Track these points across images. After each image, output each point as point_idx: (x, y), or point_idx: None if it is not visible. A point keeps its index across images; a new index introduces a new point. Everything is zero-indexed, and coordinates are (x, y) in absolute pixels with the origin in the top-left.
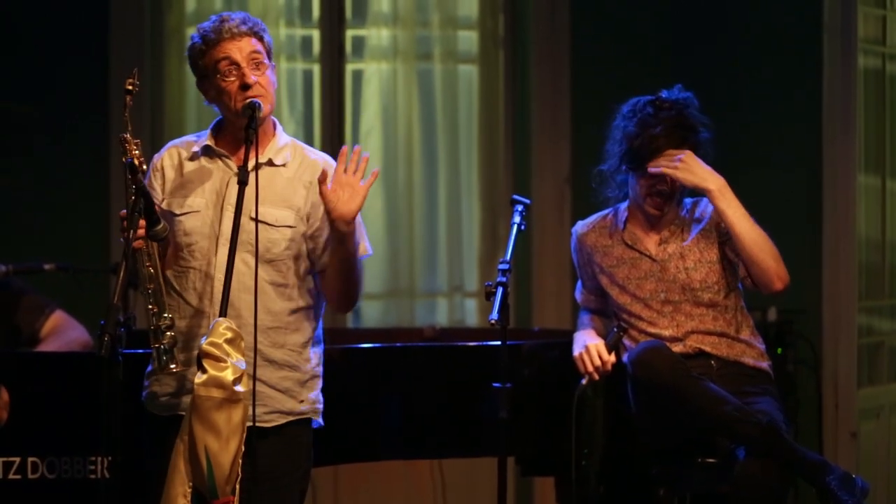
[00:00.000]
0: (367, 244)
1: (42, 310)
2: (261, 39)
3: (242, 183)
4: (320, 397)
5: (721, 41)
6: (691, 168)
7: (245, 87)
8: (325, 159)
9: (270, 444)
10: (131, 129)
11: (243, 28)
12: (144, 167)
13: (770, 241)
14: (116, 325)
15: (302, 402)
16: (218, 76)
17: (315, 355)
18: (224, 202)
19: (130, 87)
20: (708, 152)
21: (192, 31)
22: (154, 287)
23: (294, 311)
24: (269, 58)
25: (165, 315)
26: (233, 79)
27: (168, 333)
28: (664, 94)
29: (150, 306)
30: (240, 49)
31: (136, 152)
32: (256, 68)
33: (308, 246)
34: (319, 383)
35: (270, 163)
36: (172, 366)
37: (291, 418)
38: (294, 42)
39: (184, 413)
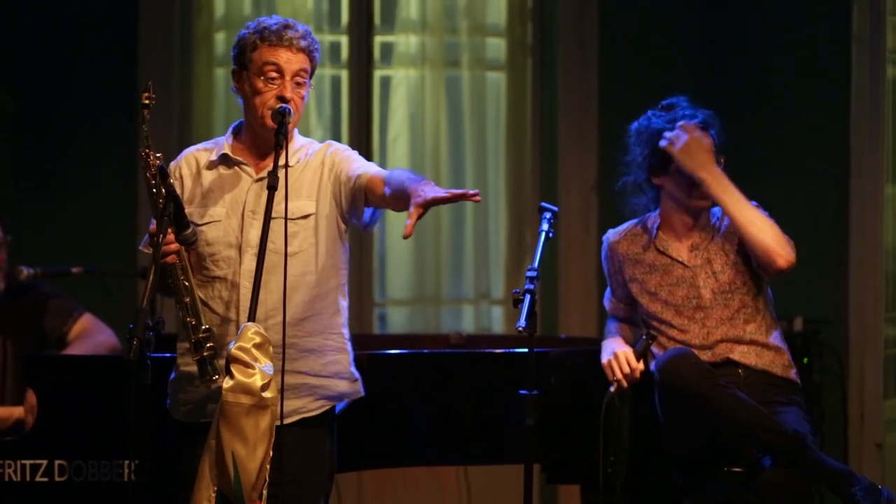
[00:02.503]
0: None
1: (70, 313)
2: (312, 59)
3: (272, 188)
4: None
5: (750, 51)
6: (691, 151)
7: (282, 98)
8: (333, 144)
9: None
10: (151, 142)
11: (303, 43)
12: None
13: (770, 222)
14: (145, 328)
15: (355, 381)
16: (260, 77)
17: (348, 339)
18: (245, 209)
19: (147, 101)
20: (721, 160)
21: (220, 36)
22: (190, 300)
23: (328, 293)
24: (311, 77)
25: (204, 326)
26: (273, 87)
27: (208, 345)
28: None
29: (188, 319)
30: (290, 62)
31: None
32: (297, 86)
33: (344, 193)
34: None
35: (287, 165)
36: (216, 376)
37: (346, 400)
38: (322, 48)
39: (209, 420)
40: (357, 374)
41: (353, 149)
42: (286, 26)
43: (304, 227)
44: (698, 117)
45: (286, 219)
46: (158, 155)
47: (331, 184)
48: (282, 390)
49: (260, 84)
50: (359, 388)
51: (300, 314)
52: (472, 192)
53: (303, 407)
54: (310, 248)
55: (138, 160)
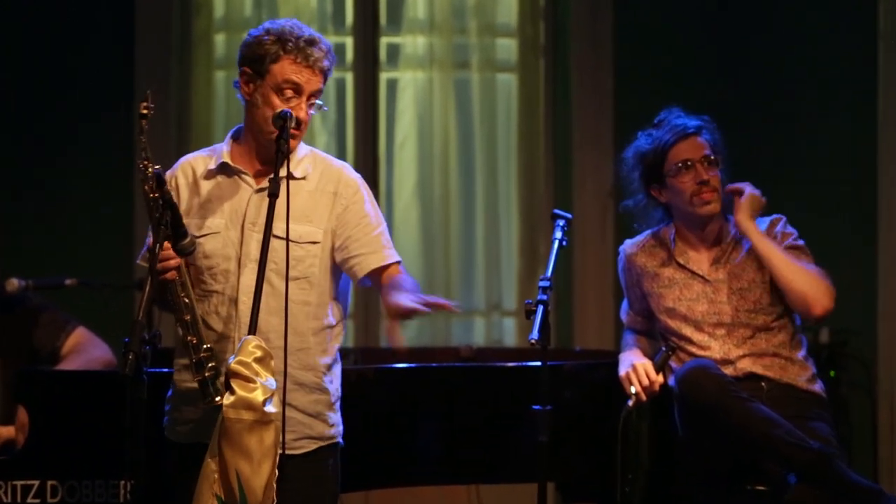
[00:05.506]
0: (392, 252)
1: (63, 327)
2: (326, 79)
3: (273, 195)
4: (340, 419)
5: (772, 49)
6: (753, 202)
7: (297, 122)
8: (346, 168)
9: (299, 470)
10: (150, 154)
11: (324, 64)
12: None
13: (806, 268)
14: (141, 342)
15: (332, 425)
16: (277, 92)
17: (338, 376)
18: (245, 221)
19: (146, 111)
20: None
21: (220, 38)
22: (191, 318)
23: (321, 331)
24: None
25: (206, 346)
26: (287, 102)
27: (210, 364)
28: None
29: (189, 337)
30: (311, 83)
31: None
32: (310, 107)
33: (337, 258)
34: (339, 404)
35: (291, 176)
36: (218, 398)
37: (322, 443)
38: None
39: (206, 441)
40: (337, 419)
41: (359, 155)
42: (312, 42)
43: (309, 253)
44: (690, 125)
45: (287, 239)
46: (157, 166)
47: (334, 229)
48: (283, 418)
49: (276, 100)
50: (336, 434)
51: (297, 343)
52: (451, 304)
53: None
54: (313, 277)
55: (136, 171)
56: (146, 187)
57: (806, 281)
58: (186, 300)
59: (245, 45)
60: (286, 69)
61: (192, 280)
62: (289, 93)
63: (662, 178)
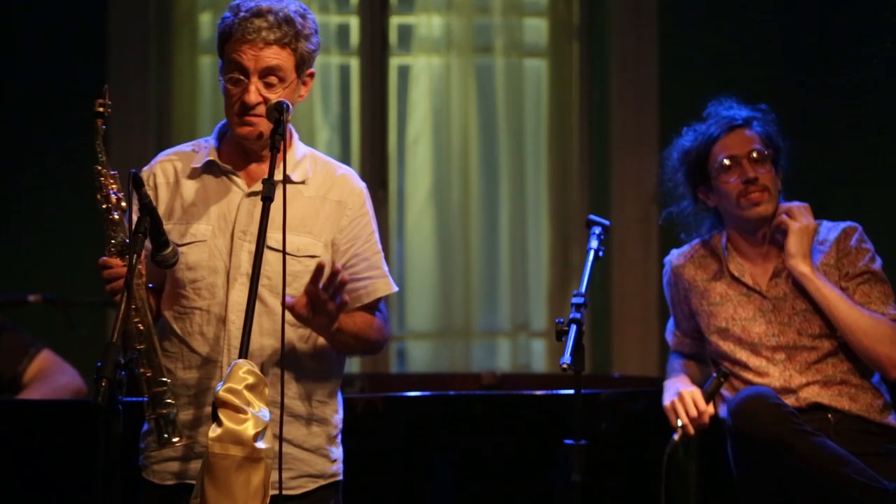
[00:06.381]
0: (388, 283)
1: (26, 350)
2: (294, 50)
3: (268, 199)
4: (342, 454)
5: (836, 26)
6: (805, 234)
7: (244, 105)
8: (351, 175)
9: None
10: (105, 159)
11: (272, 36)
12: (124, 204)
13: (879, 318)
14: (116, 367)
15: (334, 461)
16: (225, 76)
17: (339, 406)
18: (235, 229)
19: (101, 110)
20: (778, 145)
21: (205, 18)
22: (146, 346)
23: (321, 357)
24: (303, 69)
25: (162, 380)
26: (237, 89)
27: (167, 401)
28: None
29: (141, 370)
30: (256, 59)
31: (115, 186)
32: (268, 88)
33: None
34: (340, 437)
35: (288, 179)
36: (175, 439)
37: (322, 482)
38: (329, 31)
39: (192, 482)
40: (339, 454)
41: (366, 153)
42: (257, 13)
43: (307, 268)
44: (738, 116)
45: (284, 252)
46: (114, 174)
47: (336, 242)
48: (280, 455)
49: (227, 86)
50: (338, 470)
51: (292, 371)
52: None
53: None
54: None
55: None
56: (99, 196)
57: (877, 337)
58: (141, 326)
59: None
60: (230, 49)
61: (151, 301)
62: (234, 75)
63: (708, 179)
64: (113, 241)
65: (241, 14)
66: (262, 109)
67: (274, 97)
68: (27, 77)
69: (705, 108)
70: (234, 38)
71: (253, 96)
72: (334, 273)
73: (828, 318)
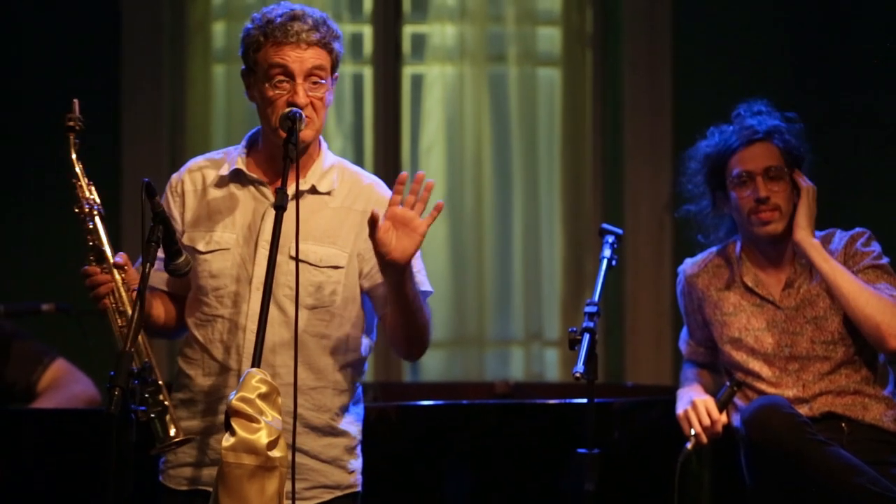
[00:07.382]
0: (425, 279)
1: (39, 359)
2: (330, 51)
3: (280, 208)
4: (361, 465)
5: (851, 39)
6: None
7: (292, 104)
8: (379, 185)
9: None
10: (80, 170)
11: (314, 37)
12: (96, 212)
13: (881, 290)
14: (129, 376)
15: (352, 472)
16: (266, 82)
17: (359, 416)
18: (259, 238)
19: (72, 125)
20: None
21: (219, 27)
22: (136, 349)
23: (341, 368)
24: (335, 71)
25: (151, 378)
26: (282, 92)
27: (159, 397)
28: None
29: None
30: (301, 60)
31: (91, 197)
32: (314, 87)
33: (364, 286)
34: (360, 448)
35: (314, 190)
36: (172, 433)
37: (339, 493)
38: (342, 40)
39: (205, 488)
40: (357, 466)
41: (379, 161)
42: (292, 17)
43: (330, 279)
44: (760, 128)
45: (297, 260)
46: (90, 184)
47: (362, 253)
48: (293, 465)
49: (269, 91)
50: (356, 482)
51: (311, 381)
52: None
53: (296, 492)
54: (333, 306)
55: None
56: (76, 208)
57: (878, 307)
58: (126, 331)
59: (240, 44)
60: (269, 54)
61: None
62: (279, 78)
63: (725, 187)
64: (91, 250)
65: (278, 19)
66: (309, 111)
67: (319, 95)
68: (41, 86)
69: (718, 117)
70: (275, 42)
71: (302, 98)
72: (418, 177)
73: (837, 317)
